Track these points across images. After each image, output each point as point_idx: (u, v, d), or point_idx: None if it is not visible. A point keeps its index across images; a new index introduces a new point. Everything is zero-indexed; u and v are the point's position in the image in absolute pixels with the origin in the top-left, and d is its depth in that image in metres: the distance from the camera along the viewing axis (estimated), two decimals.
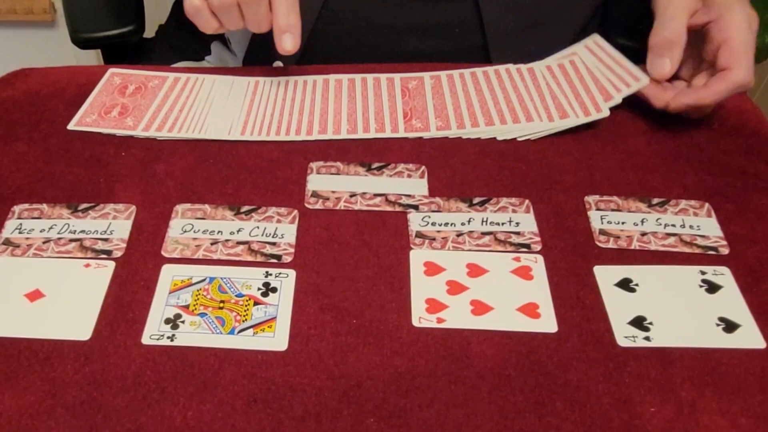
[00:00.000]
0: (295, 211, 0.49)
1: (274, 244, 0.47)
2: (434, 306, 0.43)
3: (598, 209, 0.49)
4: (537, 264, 0.46)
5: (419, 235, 0.48)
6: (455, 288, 0.44)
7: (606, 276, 0.45)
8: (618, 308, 0.43)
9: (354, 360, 0.40)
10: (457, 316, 0.42)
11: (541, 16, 0.65)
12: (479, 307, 0.43)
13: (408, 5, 0.66)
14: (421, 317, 0.42)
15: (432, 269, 0.45)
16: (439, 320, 0.42)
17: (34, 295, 0.43)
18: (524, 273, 0.45)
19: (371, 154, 0.53)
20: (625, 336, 0.42)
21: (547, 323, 0.42)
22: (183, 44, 0.75)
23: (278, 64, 0.65)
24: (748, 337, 0.42)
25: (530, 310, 0.43)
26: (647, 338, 0.42)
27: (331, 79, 0.60)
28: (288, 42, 0.54)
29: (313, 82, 0.60)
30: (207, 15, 0.53)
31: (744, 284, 0.45)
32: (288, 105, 0.58)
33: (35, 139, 0.55)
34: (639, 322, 0.43)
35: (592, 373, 0.40)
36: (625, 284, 0.45)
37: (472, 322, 0.42)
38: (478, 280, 0.45)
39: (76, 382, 0.39)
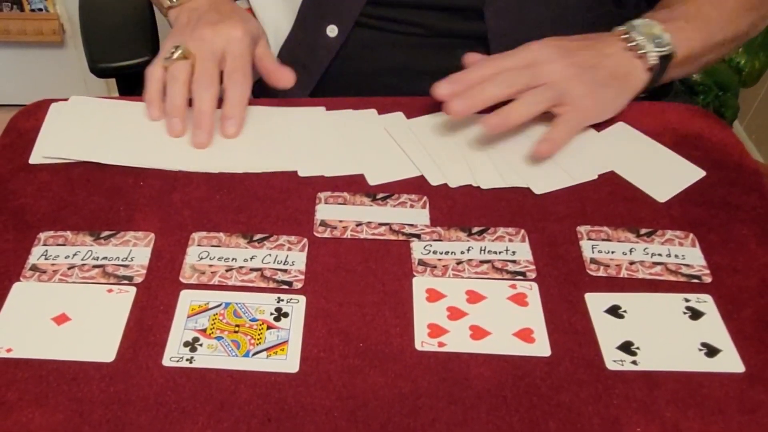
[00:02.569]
0: (305, 240, 0.52)
1: (285, 270, 0.50)
2: (435, 330, 0.46)
3: (589, 239, 0.53)
4: (532, 291, 0.49)
5: (421, 263, 0.51)
6: (455, 313, 0.47)
7: (596, 303, 0.48)
8: (607, 333, 0.46)
9: (361, 382, 0.43)
10: (457, 340, 0.45)
11: None
12: (478, 332, 0.46)
13: (423, 49, 0.70)
14: (423, 341, 0.45)
15: (433, 295, 0.48)
16: (440, 344, 0.45)
17: (61, 319, 0.46)
18: (520, 300, 0.48)
19: (376, 185, 0.57)
20: (613, 360, 0.45)
21: (541, 348, 0.45)
22: None
23: (332, 29, 0.71)
24: (728, 362, 0.45)
25: (525, 335, 0.46)
26: (634, 362, 0.44)
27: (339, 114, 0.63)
28: (233, 128, 0.59)
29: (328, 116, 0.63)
30: (157, 81, 0.59)
31: (725, 311, 0.48)
32: (295, 137, 0.61)
33: (57, 168, 0.58)
34: (627, 347, 0.45)
35: (583, 394, 0.43)
36: (614, 311, 0.48)
37: (471, 346, 0.45)
38: (476, 306, 0.48)
39: (101, 401, 0.42)
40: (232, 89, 0.59)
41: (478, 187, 0.57)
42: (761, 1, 0.70)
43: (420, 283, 0.49)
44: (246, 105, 0.60)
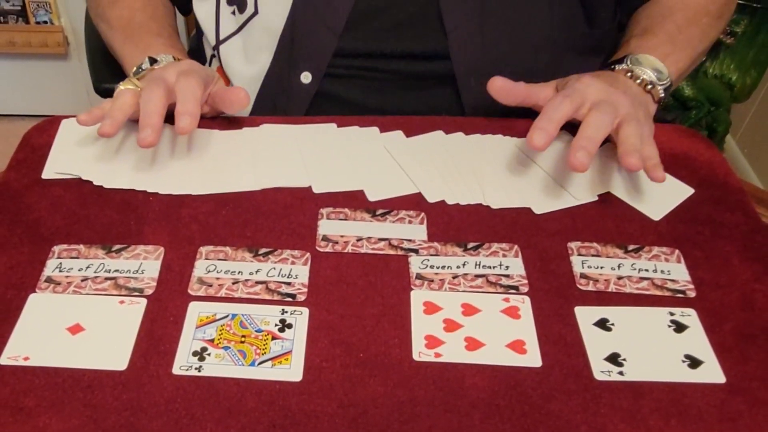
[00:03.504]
0: (308, 254, 0.54)
1: (289, 283, 0.52)
2: (432, 342, 0.48)
3: (579, 254, 0.55)
4: (524, 305, 0.51)
5: (419, 276, 0.53)
6: (451, 325, 0.49)
7: (585, 316, 0.50)
8: (595, 345, 0.48)
9: (361, 390, 0.45)
10: (453, 351, 0.48)
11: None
12: (472, 343, 0.48)
13: (395, 92, 0.73)
14: (420, 352, 0.48)
15: (430, 308, 0.51)
16: (437, 355, 0.47)
17: (75, 329, 0.48)
18: (513, 312, 0.50)
19: (376, 201, 0.59)
20: (601, 371, 0.47)
21: (533, 359, 0.47)
22: None
23: (306, 76, 0.73)
24: (710, 373, 0.47)
25: (518, 346, 0.48)
26: (621, 373, 0.47)
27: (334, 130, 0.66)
28: (185, 121, 0.58)
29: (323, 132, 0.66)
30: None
31: (708, 325, 0.50)
32: (300, 154, 0.63)
33: (70, 183, 0.60)
34: (614, 358, 0.48)
35: (572, 403, 0.45)
36: (602, 324, 0.50)
37: (466, 356, 0.47)
38: (471, 319, 0.50)
39: (114, 408, 0.44)
40: (184, 85, 0.60)
41: (477, 204, 0.59)
42: (726, 9, 0.75)
43: (417, 296, 0.51)
44: (199, 101, 0.61)
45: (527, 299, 0.51)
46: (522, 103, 0.64)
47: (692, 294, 0.52)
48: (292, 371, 0.46)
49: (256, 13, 0.71)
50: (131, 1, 0.75)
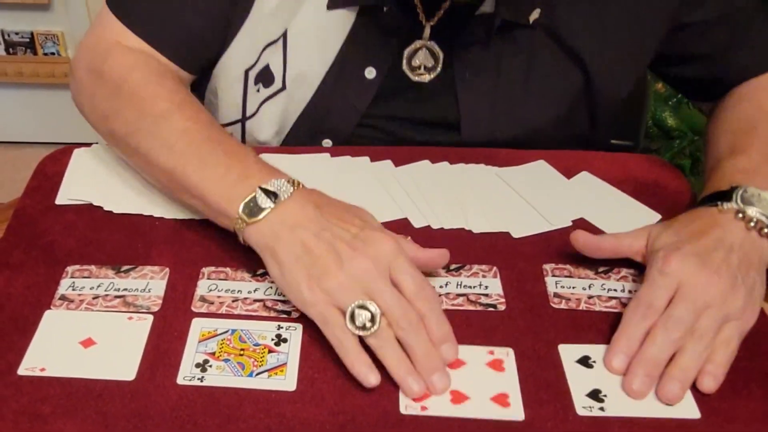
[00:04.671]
0: None
1: (284, 301, 0.56)
2: (418, 396, 0.49)
3: (553, 275, 0.59)
4: (508, 357, 0.52)
5: None
6: None
7: (568, 353, 0.53)
8: (578, 382, 0.51)
9: (350, 399, 0.49)
10: (439, 405, 0.49)
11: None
12: (457, 397, 0.50)
13: (407, 132, 0.76)
14: (407, 405, 0.49)
15: None
16: (423, 408, 0.49)
17: (87, 343, 0.53)
18: (497, 365, 0.52)
19: None
20: (583, 406, 0.49)
21: (516, 412, 0.49)
22: None
23: (327, 142, 0.75)
24: (685, 409, 0.50)
25: (501, 399, 0.50)
26: (602, 408, 0.49)
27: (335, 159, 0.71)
28: (449, 351, 0.52)
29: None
30: (360, 352, 0.51)
31: None
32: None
33: (82, 209, 0.65)
34: (595, 395, 0.50)
35: None
36: (584, 361, 0.53)
37: (451, 410, 0.49)
38: (456, 372, 0.51)
39: (124, 415, 0.48)
40: (431, 312, 0.52)
41: (460, 228, 0.64)
42: None
43: None
44: (446, 319, 0.53)
45: (511, 352, 0.53)
46: (613, 257, 0.60)
47: None
48: (287, 381, 0.50)
49: (283, 88, 0.73)
50: (195, 108, 0.64)
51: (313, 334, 0.54)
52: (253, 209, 0.55)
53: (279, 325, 0.54)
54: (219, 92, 0.75)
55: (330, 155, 0.71)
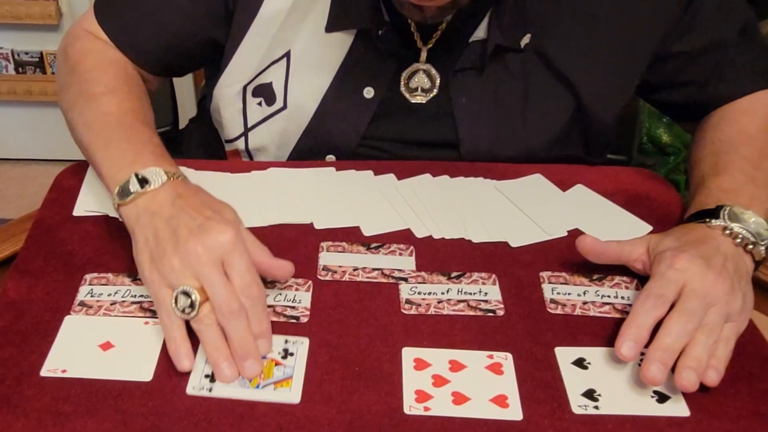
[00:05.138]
0: (310, 282, 0.61)
1: (293, 307, 0.59)
2: (422, 396, 0.52)
3: (550, 282, 0.62)
4: (507, 361, 0.55)
5: (408, 301, 0.60)
6: (439, 381, 0.53)
7: (564, 356, 0.56)
8: (573, 382, 0.53)
9: (357, 399, 0.52)
10: (441, 406, 0.51)
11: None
12: (459, 398, 0.52)
13: (408, 153, 0.79)
14: (411, 406, 0.51)
15: (420, 364, 0.54)
16: (426, 408, 0.51)
17: (106, 346, 0.55)
18: (496, 369, 0.54)
19: (370, 236, 0.67)
20: (578, 405, 0.52)
21: (514, 412, 0.51)
22: (208, 143, 0.89)
23: (330, 157, 0.78)
24: (676, 407, 0.52)
25: (500, 401, 0.52)
26: (596, 407, 0.52)
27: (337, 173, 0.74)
28: (264, 346, 0.54)
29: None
30: (182, 335, 0.53)
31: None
32: (305, 195, 0.71)
33: (98, 220, 0.68)
34: (590, 394, 0.53)
35: None
36: (580, 362, 0.55)
37: (452, 410, 0.51)
38: (458, 374, 0.54)
39: (142, 413, 0.50)
40: (253, 307, 0.54)
41: (460, 238, 0.66)
42: None
43: (408, 354, 0.55)
44: (269, 318, 0.56)
45: (510, 356, 0.55)
46: (613, 263, 0.63)
47: None
48: (292, 393, 0.52)
49: (284, 107, 0.76)
50: (124, 97, 0.69)
51: (322, 338, 0.56)
52: (124, 192, 0.59)
53: (286, 339, 0.56)
54: (221, 110, 0.79)
55: (335, 169, 0.75)
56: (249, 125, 0.79)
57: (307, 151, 0.79)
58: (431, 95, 0.76)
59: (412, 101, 0.76)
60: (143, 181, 0.59)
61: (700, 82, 0.77)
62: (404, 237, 0.67)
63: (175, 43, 0.77)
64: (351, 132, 0.77)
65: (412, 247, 0.65)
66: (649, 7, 0.73)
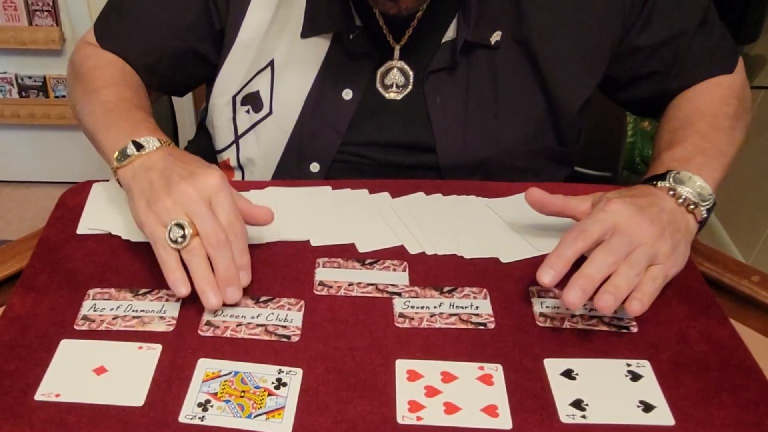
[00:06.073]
0: (302, 302, 0.62)
1: (285, 326, 0.60)
2: (414, 407, 0.53)
3: (539, 297, 0.64)
4: (497, 372, 0.56)
5: (401, 315, 0.62)
6: (431, 392, 0.55)
7: (553, 367, 0.57)
8: (562, 393, 0.55)
9: (352, 408, 0.53)
10: (433, 415, 0.53)
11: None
12: (450, 408, 0.54)
13: (387, 157, 0.83)
14: (404, 415, 0.53)
15: (413, 376, 0.56)
16: (419, 418, 0.53)
17: (100, 371, 0.56)
18: (487, 380, 0.56)
19: (365, 252, 0.69)
20: (566, 415, 0.53)
21: (504, 421, 0.53)
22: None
23: (315, 166, 0.82)
24: (661, 416, 0.53)
25: (491, 410, 0.54)
26: (584, 416, 0.53)
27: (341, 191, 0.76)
28: (244, 278, 0.61)
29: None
30: (177, 265, 0.59)
31: (648, 354, 0.58)
32: (296, 213, 0.73)
33: (101, 238, 0.70)
34: (578, 404, 0.54)
35: None
36: (568, 374, 0.57)
37: (444, 420, 0.53)
38: (449, 385, 0.55)
39: (143, 423, 0.52)
40: (237, 241, 0.61)
41: (453, 254, 0.68)
42: (742, 108, 0.80)
43: (401, 365, 0.57)
44: (248, 252, 0.62)
45: (500, 367, 0.57)
46: (558, 215, 0.67)
47: (635, 329, 0.61)
48: (284, 425, 0.52)
49: (270, 113, 0.81)
50: (121, 88, 0.77)
51: (318, 350, 0.58)
52: (122, 155, 0.67)
53: (280, 369, 0.56)
54: (214, 121, 0.85)
55: (331, 188, 0.77)
56: (239, 133, 0.84)
57: (292, 160, 0.82)
58: (406, 91, 0.80)
59: (388, 97, 0.80)
60: (139, 146, 0.66)
61: (663, 74, 0.82)
62: (398, 253, 0.68)
63: (163, 57, 0.83)
64: (333, 134, 0.81)
65: (405, 263, 0.67)
66: (603, 3, 0.77)
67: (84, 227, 0.71)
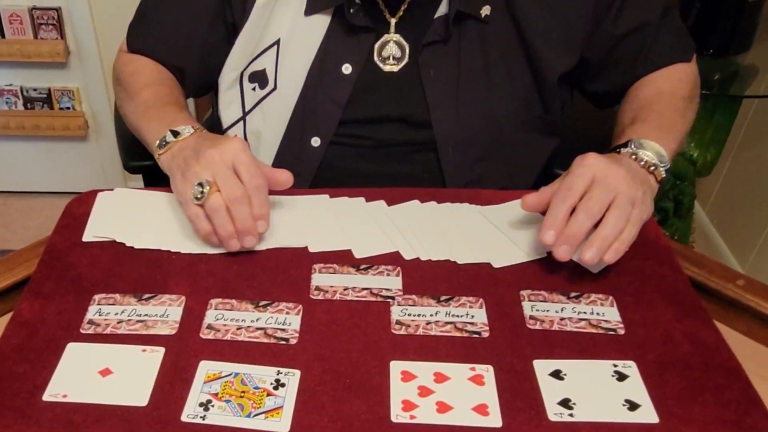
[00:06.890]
0: (300, 306, 0.65)
1: (283, 329, 0.62)
2: (408, 406, 0.55)
3: (530, 300, 0.66)
4: (488, 373, 0.58)
5: (399, 322, 0.63)
6: (424, 392, 0.56)
7: (542, 368, 0.59)
8: (550, 392, 0.57)
9: (348, 408, 0.55)
10: (426, 414, 0.55)
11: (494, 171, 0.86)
12: (442, 407, 0.56)
13: (385, 158, 0.87)
14: (398, 414, 0.54)
15: (406, 376, 0.58)
16: (412, 417, 0.54)
17: (105, 372, 0.58)
18: (478, 380, 0.58)
19: (360, 258, 0.71)
20: (554, 413, 0.55)
21: (494, 420, 0.55)
22: None
23: (316, 140, 0.87)
24: (645, 414, 0.55)
25: (481, 409, 0.56)
26: (571, 414, 0.55)
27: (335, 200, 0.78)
28: (261, 226, 0.69)
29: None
30: (203, 219, 0.68)
31: (635, 355, 0.60)
32: (294, 220, 0.75)
33: (106, 245, 0.72)
34: (565, 403, 0.56)
35: None
36: (557, 374, 0.59)
37: (436, 418, 0.54)
38: (442, 385, 0.57)
39: (146, 422, 0.54)
40: (256, 195, 0.68)
41: (446, 260, 0.70)
42: (695, 90, 0.89)
43: (395, 367, 0.59)
44: (269, 204, 0.70)
45: (491, 368, 0.59)
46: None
47: (622, 332, 0.63)
48: (282, 423, 0.54)
49: (275, 88, 0.86)
50: (157, 87, 0.87)
51: (315, 353, 0.60)
52: (162, 144, 0.76)
53: (278, 371, 0.58)
54: (221, 95, 0.91)
55: (329, 196, 0.79)
56: (246, 109, 0.89)
57: (296, 134, 0.87)
58: (402, 63, 0.85)
59: (385, 70, 0.85)
60: (176, 134, 0.75)
61: (629, 63, 0.88)
62: (393, 259, 0.71)
63: (187, 52, 0.90)
64: (333, 107, 0.85)
65: (398, 268, 0.69)
66: None
67: (89, 235, 0.73)
